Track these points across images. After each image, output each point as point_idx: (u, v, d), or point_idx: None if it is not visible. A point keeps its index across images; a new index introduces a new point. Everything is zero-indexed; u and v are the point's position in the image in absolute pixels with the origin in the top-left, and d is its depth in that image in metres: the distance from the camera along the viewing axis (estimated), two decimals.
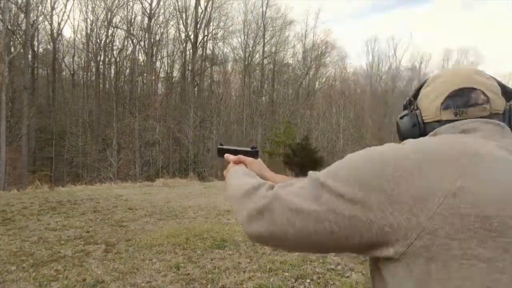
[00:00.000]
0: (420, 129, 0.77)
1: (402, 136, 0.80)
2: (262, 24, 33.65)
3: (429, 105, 0.76)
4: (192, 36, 31.76)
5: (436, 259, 0.52)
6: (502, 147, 0.63)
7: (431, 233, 0.52)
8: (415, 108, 0.80)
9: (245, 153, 1.06)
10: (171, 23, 33.10)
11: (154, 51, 31.75)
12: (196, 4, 31.25)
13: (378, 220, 0.55)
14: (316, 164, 20.34)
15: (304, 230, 0.60)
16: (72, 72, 31.88)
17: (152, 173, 22.15)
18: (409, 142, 0.65)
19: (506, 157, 0.60)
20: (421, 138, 0.68)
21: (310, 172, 0.68)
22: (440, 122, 0.73)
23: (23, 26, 25.98)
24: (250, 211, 0.68)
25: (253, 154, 1.06)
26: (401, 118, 0.83)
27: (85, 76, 32.02)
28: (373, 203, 0.56)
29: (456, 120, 0.71)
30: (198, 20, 31.65)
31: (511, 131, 0.70)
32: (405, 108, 0.85)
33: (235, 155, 1.07)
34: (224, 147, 1.15)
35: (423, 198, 0.53)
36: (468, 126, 0.68)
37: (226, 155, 1.06)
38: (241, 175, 0.88)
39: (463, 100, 0.71)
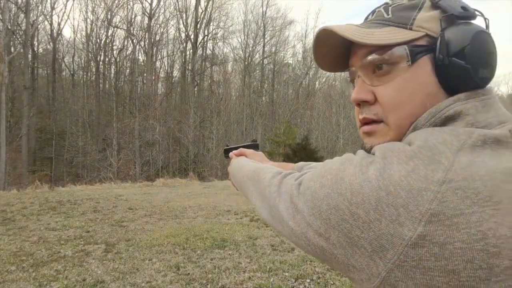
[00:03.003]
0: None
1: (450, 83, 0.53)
2: (262, 24, 33.70)
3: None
4: (192, 36, 31.81)
5: None
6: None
7: (391, 285, 0.45)
8: None
9: (246, 147, 1.11)
10: (171, 23, 33.31)
11: (154, 51, 31.80)
12: (196, 4, 31.31)
13: (341, 258, 0.49)
14: None
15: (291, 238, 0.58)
16: (72, 72, 31.92)
17: (152, 173, 22.16)
18: (383, 155, 0.48)
19: None
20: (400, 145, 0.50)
21: (292, 176, 0.60)
22: None
23: (23, 26, 26.00)
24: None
25: (254, 146, 1.12)
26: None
27: (85, 76, 32.07)
28: (335, 241, 0.49)
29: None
30: (198, 20, 31.69)
31: None
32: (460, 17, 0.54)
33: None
34: (229, 146, 1.19)
35: (381, 246, 0.44)
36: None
37: (230, 154, 1.09)
38: (242, 164, 0.87)
39: None
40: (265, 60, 34.35)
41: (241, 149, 1.08)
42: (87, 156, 24.83)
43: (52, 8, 29.35)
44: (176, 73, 33.61)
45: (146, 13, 30.38)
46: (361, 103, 0.58)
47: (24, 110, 23.92)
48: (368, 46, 0.55)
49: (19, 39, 26.29)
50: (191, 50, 31.86)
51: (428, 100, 0.53)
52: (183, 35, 32.51)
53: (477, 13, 0.55)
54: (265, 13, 34.77)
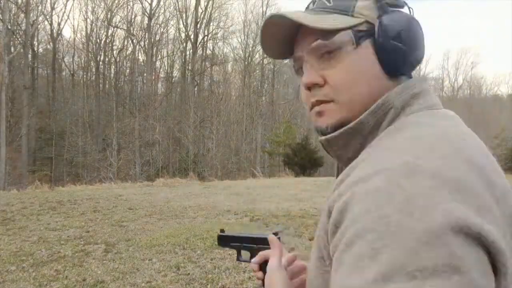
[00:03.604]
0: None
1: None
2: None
3: None
4: (192, 36, 31.79)
5: None
6: None
7: None
8: None
9: (264, 242, 0.85)
10: (171, 23, 33.22)
11: (154, 51, 31.78)
12: (196, 4, 31.29)
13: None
14: (316, 164, 20.39)
15: None
16: (72, 72, 31.90)
17: (152, 173, 22.14)
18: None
19: None
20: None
21: None
22: None
23: (23, 26, 25.99)
24: None
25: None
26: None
27: (85, 76, 32.05)
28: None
29: None
30: (198, 20, 31.67)
31: None
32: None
33: (244, 243, 0.91)
34: (228, 234, 0.96)
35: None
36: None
37: (252, 258, 0.86)
38: None
39: None
40: (265, 60, 34.31)
41: (261, 253, 0.83)
42: (87, 156, 24.81)
43: (52, 8, 29.35)
44: (176, 73, 33.62)
45: (146, 13, 30.39)
46: (312, 86, 0.60)
47: (24, 110, 23.91)
48: (315, 32, 0.57)
49: (19, 39, 26.28)
50: (191, 50, 31.86)
51: (373, 80, 0.58)
52: (183, 35, 32.53)
53: (404, 2, 0.61)
54: (265, 13, 34.72)
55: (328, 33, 0.57)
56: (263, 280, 0.82)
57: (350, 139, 0.58)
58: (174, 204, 8.10)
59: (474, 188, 0.43)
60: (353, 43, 0.57)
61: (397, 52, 0.57)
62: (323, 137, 0.62)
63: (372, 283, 0.39)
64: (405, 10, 0.61)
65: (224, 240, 0.96)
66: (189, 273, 3.88)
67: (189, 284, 3.62)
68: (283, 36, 0.63)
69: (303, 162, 19.80)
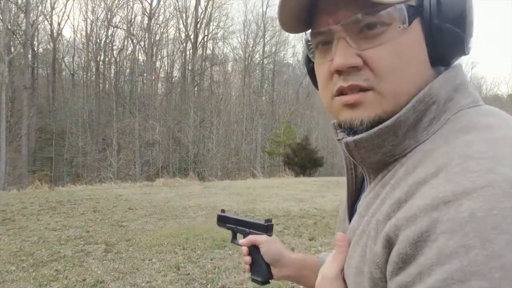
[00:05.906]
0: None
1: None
2: (262, 24, 33.68)
3: None
4: (192, 36, 31.79)
5: None
6: None
7: None
8: None
9: (255, 227, 0.88)
10: (171, 23, 33.27)
11: (154, 51, 31.77)
12: (196, 4, 31.30)
13: None
14: (316, 164, 20.39)
15: None
16: (72, 72, 31.91)
17: (152, 173, 22.16)
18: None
19: None
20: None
21: None
22: None
23: (23, 26, 26.00)
24: None
25: (267, 229, 0.86)
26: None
27: (85, 76, 32.07)
28: None
29: None
30: (198, 20, 31.68)
31: None
32: None
33: (238, 225, 0.93)
34: (226, 215, 1.00)
35: None
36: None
37: (241, 241, 0.88)
38: None
39: None
40: (265, 60, 34.35)
41: (250, 237, 0.85)
42: (87, 156, 24.83)
43: (52, 8, 29.38)
44: (176, 73, 33.63)
45: (146, 13, 30.38)
46: (345, 70, 0.48)
47: (24, 110, 23.91)
48: (357, 2, 0.47)
49: (19, 39, 26.28)
50: (191, 50, 31.86)
51: (419, 66, 0.48)
52: (183, 35, 32.53)
53: None
54: (265, 13, 34.81)
55: (376, 5, 0.45)
56: (250, 265, 0.85)
57: (383, 140, 0.48)
58: (174, 204, 8.10)
59: None
60: (404, 21, 0.46)
61: (453, 38, 0.47)
62: (352, 138, 0.50)
63: None
64: None
65: (222, 220, 0.99)
66: (189, 273, 3.88)
67: (189, 284, 3.62)
68: (304, 5, 0.50)
69: (303, 162, 19.79)
